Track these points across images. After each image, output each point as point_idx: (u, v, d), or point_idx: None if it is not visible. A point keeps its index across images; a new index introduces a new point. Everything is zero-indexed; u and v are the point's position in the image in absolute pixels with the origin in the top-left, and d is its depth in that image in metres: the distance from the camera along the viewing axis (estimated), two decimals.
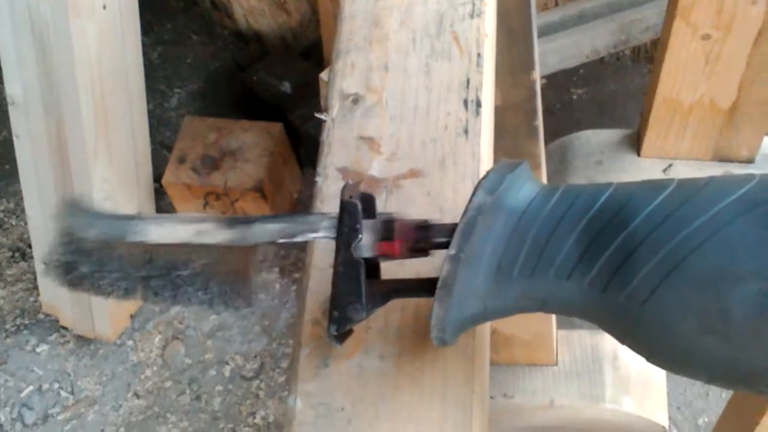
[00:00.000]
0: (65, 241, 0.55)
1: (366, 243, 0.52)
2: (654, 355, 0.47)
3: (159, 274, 0.54)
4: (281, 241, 0.53)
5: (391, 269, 0.55)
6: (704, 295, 0.44)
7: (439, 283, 0.49)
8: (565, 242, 0.48)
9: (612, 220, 0.47)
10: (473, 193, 0.49)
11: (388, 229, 0.52)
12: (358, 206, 0.51)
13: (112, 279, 0.54)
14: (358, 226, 0.51)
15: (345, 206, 0.51)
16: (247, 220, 0.53)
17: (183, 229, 0.53)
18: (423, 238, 0.52)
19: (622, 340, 0.49)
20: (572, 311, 0.49)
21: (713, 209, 0.45)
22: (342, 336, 0.53)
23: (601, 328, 0.49)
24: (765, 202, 0.44)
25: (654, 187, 0.48)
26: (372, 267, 0.54)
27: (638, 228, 0.46)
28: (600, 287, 0.47)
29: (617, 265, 0.46)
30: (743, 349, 0.44)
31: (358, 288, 0.51)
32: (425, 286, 0.52)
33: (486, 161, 0.63)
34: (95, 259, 0.54)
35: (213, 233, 0.53)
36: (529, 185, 0.51)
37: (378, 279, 0.55)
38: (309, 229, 0.53)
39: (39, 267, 1.90)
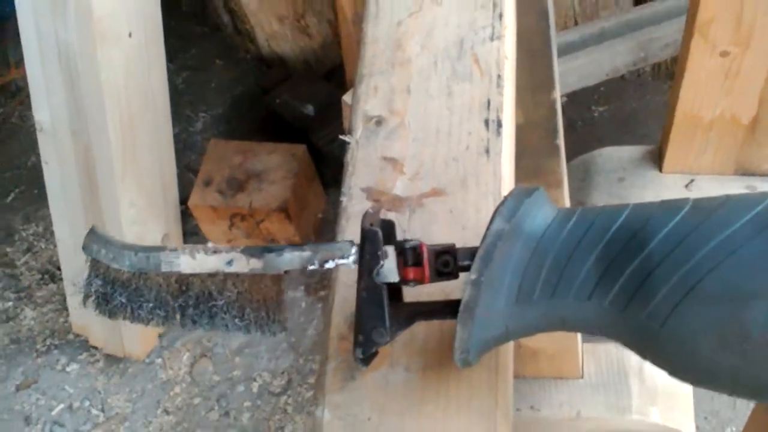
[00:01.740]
0: (99, 272, 0.57)
1: (393, 269, 0.53)
2: (676, 372, 0.48)
3: (194, 304, 0.56)
4: (310, 268, 0.55)
5: (415, 288, 0.56)
6: (722, 313, 0.45)
7: (462, 307, 0.50)
8: (584, 265, 0.49)
9: (629, 242, 0.48)
10: (491, 220, 0.51)
11: (415, 255, 0.53)
12: (378, 234, 0.53)
13: (150, 308, 0.56)
14: (379, 252, 0.52)
15: (366, 234, 0.53)
16: (276, 249, 0.55)
17: (214, 259, 0.55)
18: (449, 262, 0.53)
19: (644, 357, 0.50)
20: (593, 330, 0.50)
21: (729, 229, 0.45)
22: (368, 358, 0.54)
23: (623, 346, 0.50)
24: None
25: (670, 207, 0.48)
26: (394, 290, 0.55)
27: (656, 249, 0.47)
28: (620, 308, 0.48)
29: (636, 286, 0.47)
30: (762, 366, 0.44)
31: (381, 312, 0.52)
32: (448, 308, 0.53)
33: (507, 180, 0.64)
34: (131, 289, 0.56)
35: (244, 262, 0.55)
36: (545, 210, 0.52)
37: (401, 301, 0.56)
38: (336, 257, 0.54)
39: (68, 289, 1.92)
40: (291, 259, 0.54)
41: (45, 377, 1.92)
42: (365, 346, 0.53)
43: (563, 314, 0.50)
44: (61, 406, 1.88)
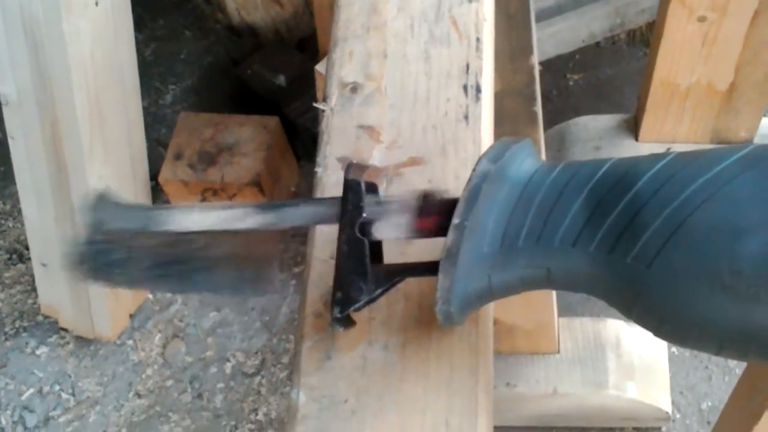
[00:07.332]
0: (93, 232, 0.54)
1: (401, 222, 0.51)
2: (663, 323, 0.47)
3: (182, 260, 0.53)
4: (314, 224, 0.53)
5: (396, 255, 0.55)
6: (712, 250, 0.44)
7: (444, 253, 0.48)
8: (570, 209, 0.48)
9: (616, 184, 0.47)
10: (477, 163, 0.49)
11: (428, 204, 0.51)
12: (361, 184, 0.51)
13: (138, 267, 0.54)
14: (361, 204, 0.50)
15: (348, 185, 0.51)
16: (277, 205, 0.53)
17: (212, 216, 0.53)
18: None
19: (629, 311, 0.48)
20: (578, 281, 0.49)
21: (717, 167, 0.45)
22: (345, 321, 0.52)
23: (607, 301, 0.49)
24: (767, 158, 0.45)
25: (656, 155, 0.48)
26: (375, 253, 0.53)
27: (643, 188, 0.46)
28: (606, 251, 0.46)
29: (623, 227, 0.46)
30: (754, 304, 0.43)
31: (362, 267, 0.50)
32: (429, 267, 0.51)
33: (487, 147, 0.62)
34: (121, 248, 0.54)
35: (245, 219, 0.52)
36: (531, 159, 0.51)
37: (381, 263, 0.54)
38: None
39: (37, 268, 1.89)
40: (295, 214, 0.53)
41: (14, 361, 1.89)
42: (343, 304, 0.51)
43: (548, 263, 0.48)
44: (31, 390, 1.85)
